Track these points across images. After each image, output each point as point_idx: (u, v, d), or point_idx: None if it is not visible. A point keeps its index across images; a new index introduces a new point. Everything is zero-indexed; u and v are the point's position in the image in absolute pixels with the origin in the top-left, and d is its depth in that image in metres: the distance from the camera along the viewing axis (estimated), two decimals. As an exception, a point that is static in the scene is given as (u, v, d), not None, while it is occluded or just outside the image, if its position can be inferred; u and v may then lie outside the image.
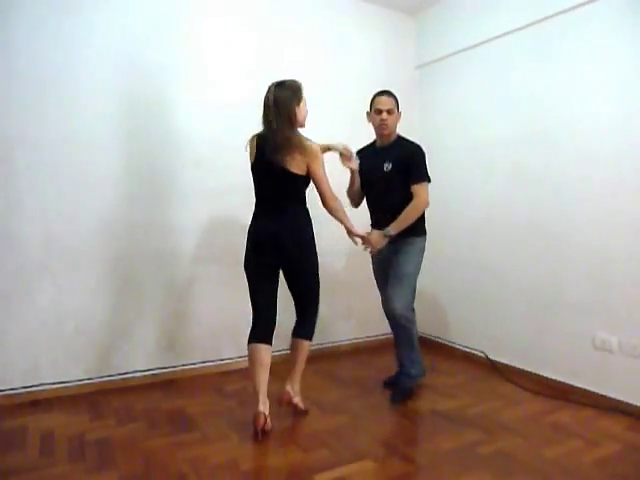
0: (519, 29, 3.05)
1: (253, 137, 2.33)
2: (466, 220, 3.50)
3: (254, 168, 2.34)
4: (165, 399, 2.66)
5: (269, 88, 2.23)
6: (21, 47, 2.54)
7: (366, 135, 3.67)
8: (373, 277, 2.86)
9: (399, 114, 2.66)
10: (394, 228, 2.52)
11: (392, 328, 2.73)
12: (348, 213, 2.41)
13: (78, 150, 2.70)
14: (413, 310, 2.71)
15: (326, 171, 2.28)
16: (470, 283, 3.47)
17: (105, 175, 2.77)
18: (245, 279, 2.49)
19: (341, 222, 2.36)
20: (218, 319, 3.13)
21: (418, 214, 2.58)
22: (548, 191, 2.91)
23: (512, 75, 3.14)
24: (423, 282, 3.89)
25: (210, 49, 3.05)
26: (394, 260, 2.61)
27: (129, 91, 2.82)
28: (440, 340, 3.72)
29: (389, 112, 2.58)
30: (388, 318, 2.68)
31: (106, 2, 2.74)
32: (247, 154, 2.35)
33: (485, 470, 1.94)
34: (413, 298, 2.68)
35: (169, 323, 2.99)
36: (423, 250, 2.72)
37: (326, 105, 3.41)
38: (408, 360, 2.70)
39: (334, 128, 3.31)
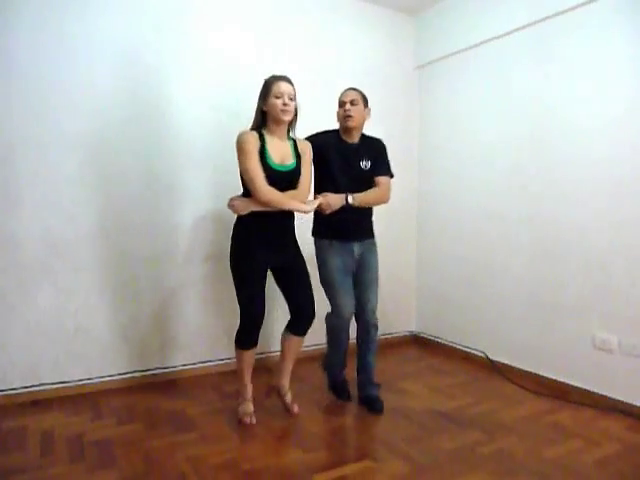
0: (519, 29, 3.05)
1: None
2: (466, 220, 3.50)
3: None
4: (165, 399, 2.66)
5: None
6: (22, 47, 2.54)
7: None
8: (330, 275, 2.48)
9: (367, 111, 2.54)
10: (358, 200, 2.42)
11: (361, 333, 2.58)
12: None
13: (78, 150, 2.69)
14: None
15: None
16: (470, 283, 3.47)
17: (105, 175, 2.77)
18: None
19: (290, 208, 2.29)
20: (218, 319, 3.13)
21: (380, 202, 2.57)
22: (548, 191, 2.91)
23: (512, 75, 3.14)
24: (423, 282, 3.92)
25: (210, 49, 3.04)
26: (366, 263, 2.54)
27: (129, 92, 2.82)
28: (440, 340, 3.72)
29: (352, 103, 2.46)
30: (360, 323, 2.56)
31: (107, 3, 2.74)
32: None
33: (485, 470, 1.95)
34: None
35: (169, 323, 2.99)
36: None
37: (326, 105, 3.41)
38: (373, 366, 2.61)
39: (334, 128, 3.32)
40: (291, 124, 2.36)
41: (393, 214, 3.84)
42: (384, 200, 2.56)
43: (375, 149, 2.57)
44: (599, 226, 2.64)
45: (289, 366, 2.46)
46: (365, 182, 2.50)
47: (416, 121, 3.94)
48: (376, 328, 2.56)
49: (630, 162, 2.50)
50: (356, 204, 2.41)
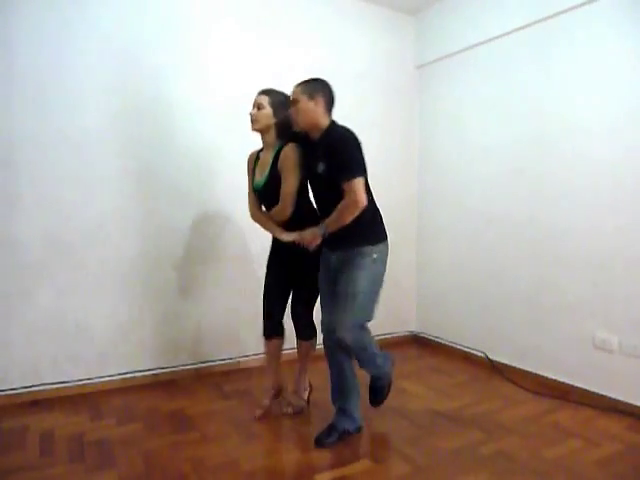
0: (519, 29, 3.05)
1: None
2: (466, 220, 3.50)
3: None
4: (165, 399, 2.66)
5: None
6: (22, 47, 2.54)
7: (366, 134, 3.67)
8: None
9: (311, 101, 2.10)
10: (327, 226, 2.08)
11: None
12: None
13: (78, 150, 2.70)
14: (365, 328, 2.17)
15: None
16: (470, 283, 3.47)
17: (105, 175, 2.77)
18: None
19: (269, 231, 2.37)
20: (218, 319, 3.13)
21: (351, 215, 2.02)
22: (548, 191, 2.91)
23: (512, 75, 3.14)
24: (424, 282, 3.92)
25: (210, 49, 3.04)
26: (341, 276, 2.13)
27: (129, 91, 2.82)
28: (440, 340, 3.72)
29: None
30: (331, 342, 2.16)
31: (108, 2, 2.74)
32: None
33: (485, 470, 1.95)
34: (367, 317, 2.15)
35: (169, 323, 2.99)
36: (379, 261, 2.15)
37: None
38: (372, 371, 2.35)
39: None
40: (280, 132, 2.28)
41: (393, 214, 3.82)
42: (354, 208, 2.01)
43: (328, 146, 2.07)
44: (599, 226, 2.64)
45: (301, 367, 2.57)
46: (332, 191, 2.05)
47: (416, 121, 3.94)
48: (345, 350, 2.14)
49: (631, 162, 2.50)
50: (328, 230, 2.08)
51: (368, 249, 2.11)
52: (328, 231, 2.09)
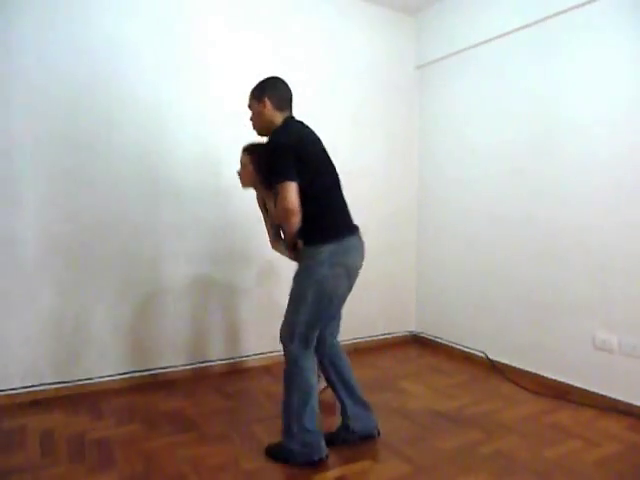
0: (519, 29, 3.05)
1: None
2: (466, 220, 3.50)
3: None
4: (165, 399, 2.66)
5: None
6: (23, 47, 2.54)
7: (367, 134, 3.68)
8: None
9: (260, 104, 2.05)
10: (285, 239, 2.16)
11: None
12: None
13: (78, 150, 2.70)
14: (304, 347, 1.97)
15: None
16: (470, 283, 3.47)
17: (105, 175, 2.77)
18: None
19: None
20: (218, 319, 3.13)
21: (285, 220, 1.93)
22: (548, 191, 2.91)
23: (512, 75, 3.14)
24: (424, 282, 3.92)
25: (210, 49, 3.04)
26: None
27: (129, 91, 2.82)
28: (440, 340, 3.72)
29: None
30: None
31: (109, 2, 2.74)
32: None
33: (485, 470, 1.95)
34: (300, 331, 1.96)
35: (169, 323, 2.99)
36: (328, 263, 1.92)
37: (326, 105, 3.42)
38: (283, 417, 2.05)
39: (334, 128, 3.32)
40: (267, 185, 2.20)
41: (394, 214, 3.85)
42: (283, 213, 1.91)
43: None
44: (599, 226, 2.64)
45: None
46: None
47: (416, 121, 3.94)
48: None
49: (631, 162, 2.50)
50: (289, 242, 2.09)
51: (312, 249, 1.96)
52: (288, 242, 2.08)
